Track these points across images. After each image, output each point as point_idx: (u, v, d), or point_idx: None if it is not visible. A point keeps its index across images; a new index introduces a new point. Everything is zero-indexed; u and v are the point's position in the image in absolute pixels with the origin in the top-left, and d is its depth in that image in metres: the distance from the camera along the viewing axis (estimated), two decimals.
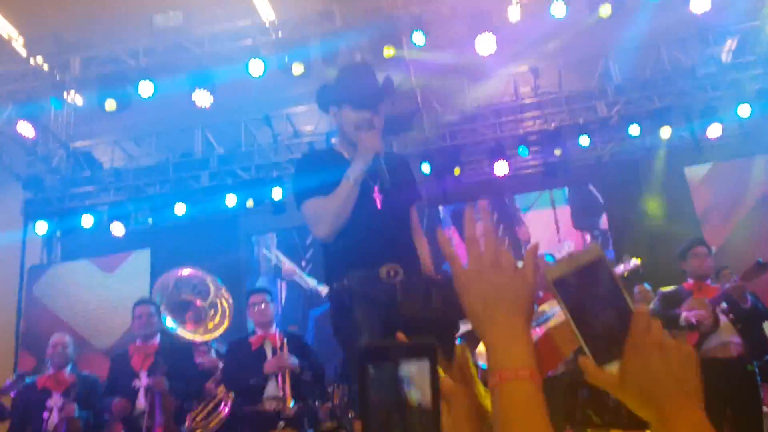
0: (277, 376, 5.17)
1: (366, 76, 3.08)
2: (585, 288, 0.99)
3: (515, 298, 1.00)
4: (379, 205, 2.94)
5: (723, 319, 5.07)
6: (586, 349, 0.99)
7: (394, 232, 2.95)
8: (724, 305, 5.07)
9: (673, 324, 5.00)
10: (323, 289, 10.09)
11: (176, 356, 5.57)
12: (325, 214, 2.86)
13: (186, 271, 7.25)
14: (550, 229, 9.89)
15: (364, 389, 0.84)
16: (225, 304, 7.20)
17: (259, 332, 5.48)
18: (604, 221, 9.87)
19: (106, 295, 9.83)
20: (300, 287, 10.31)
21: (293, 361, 5.23)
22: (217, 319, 6.95)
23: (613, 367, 0.97)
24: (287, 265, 10.46)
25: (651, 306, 5.43)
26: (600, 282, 1.00)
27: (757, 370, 5.09)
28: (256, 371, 5.19)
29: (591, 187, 10.07)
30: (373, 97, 3.02)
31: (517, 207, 10.15)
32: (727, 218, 9.20)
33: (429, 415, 0.84)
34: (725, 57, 9.19)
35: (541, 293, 5.25)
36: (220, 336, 6.98)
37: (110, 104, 7.42)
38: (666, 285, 5.60)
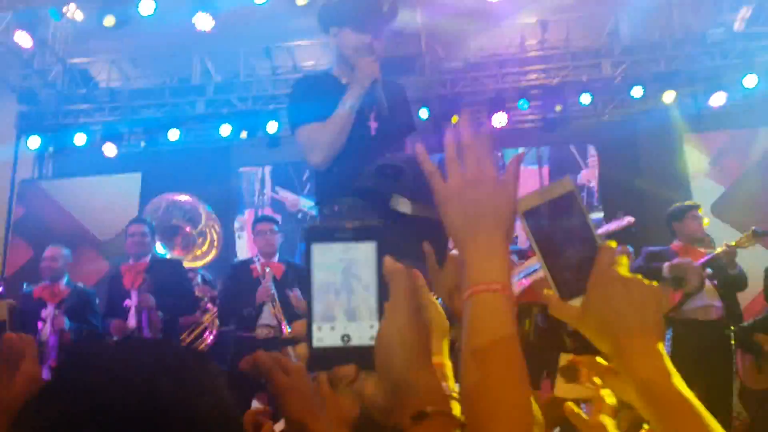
0: (270, 304, 5.23)
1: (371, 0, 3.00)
2: (554, 220, 0.99)
3: (496, 213, 0.99)
4: (373, 132, 2.90)
5: (707, 283, 5.10)
6: (551, 281, 0.99)
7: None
8: (708, 270, 5.09)
9: (656, 277, 5.03)
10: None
11: (167, 273, 5.62)
12: (320, 140, 2.82)
13: (179, 197, 7.24)
14: (535, 187, 9.78)
15: (310, 269, 0.86)
16: (214, 234, 7.22)
17: (262, 260, 5.53)
18: (581, 177, 9.86)
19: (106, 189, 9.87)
20: (295, 221, 10.29)
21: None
22: (205, 247, 6.98)
23: (576, 302, 0.98)
24: (290, 198, 10.43)
25: (635, 262, 5.46)
26: (570, 215, 0.99)
27: (732, 334, 5.15)
28: (251, 298, 5.28)
29: (572, 148, 10.02)
30: (376, 21, 2.93)
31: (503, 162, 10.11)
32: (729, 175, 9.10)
33: (372, 295, 0.86)
34: (738, 25, 9.03)
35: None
36: (208, 265, 7.01)
37: (109, 20, 7.28)
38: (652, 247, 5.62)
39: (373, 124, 2.91)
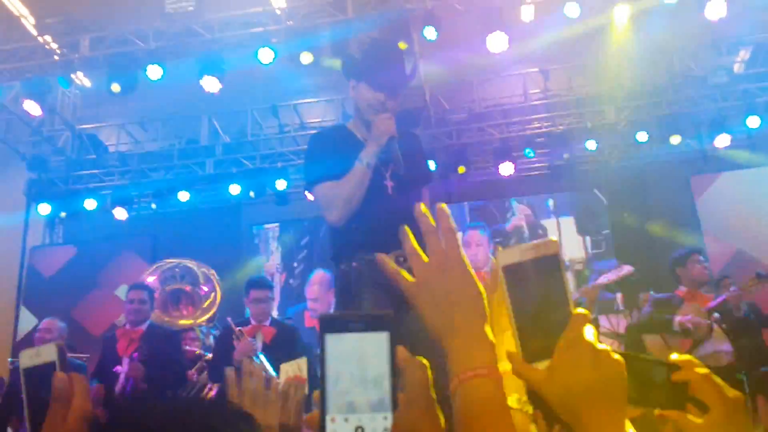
0: (252, 362, 5.13)
1: (392, 59, 3.02)
2: (533, 281, 0.97)
3: (468, 298, 0.99)
4: (390, 191, 2.89)
5: (715, 327, 5.05)
6: (517, 341, 0.96)
7: (404, 218, 2.90)
8: (716, 315, 5.04)
9: (666, 328, 4.97)
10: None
11: (161, 343, 5.49)
12: (337, 198, 2.81)
13: (165, 264, 7.27)
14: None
15: (324, 359, 0.86)
16: (214, 279, 7.22)
17: (254, 322, 5.44)
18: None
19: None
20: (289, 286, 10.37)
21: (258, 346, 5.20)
22: (211, 297, 6.96)
23: (539, 366, 0.95)
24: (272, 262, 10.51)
25: (643, 310, 5.42)
26: (549, 278, 0.98)
27: (745, 379, 5.07)
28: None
29: (596, 191, 10.04)
30: (392, 82, 2.95)
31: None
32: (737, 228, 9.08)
33: (386, 386, 0.86)
34: (737, 68, 9.14)
35: None
36: (219, 315, 6.97)
37: (116, 86, 7.38)
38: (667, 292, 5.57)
39: (390, 183, 2.90)
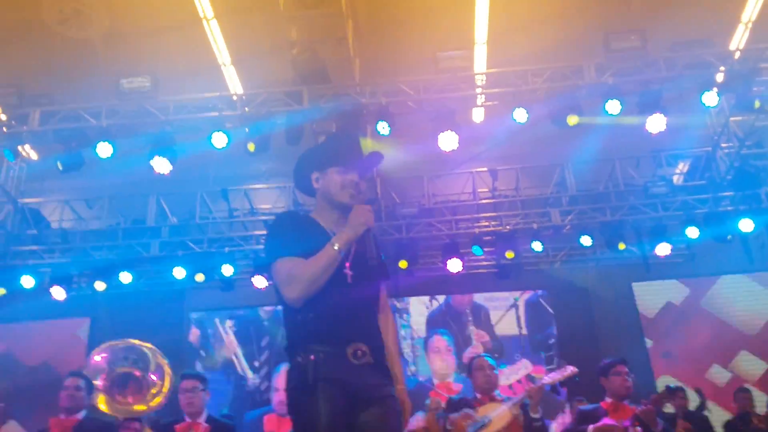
0: None
1: (354, 143, 3.02)
2: None
3: None
4: (349, 280, 2.82)
5: None
6: None
7: (363, 310, 2.83)
8: (639, 429, 5.01)
9: None
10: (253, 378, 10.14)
11: None
12: (302, 275, 2.66)
13: (118, 343, 7.02)
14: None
15: None
16: (165, 369, 6.99)
17: (188, 420, 5.21)
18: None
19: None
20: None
21: None
22: (157, 386, 6.72)
23: None
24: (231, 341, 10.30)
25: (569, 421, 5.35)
26: None
27: None
28: None
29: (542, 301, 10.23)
30: (363, 162, 2.91)
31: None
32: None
33: None
34: (676, 179, 9.46)
35: (478, 395, 5.17)
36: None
37: (64, 163, 7.30)
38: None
39: (350, 273, 2.82)
